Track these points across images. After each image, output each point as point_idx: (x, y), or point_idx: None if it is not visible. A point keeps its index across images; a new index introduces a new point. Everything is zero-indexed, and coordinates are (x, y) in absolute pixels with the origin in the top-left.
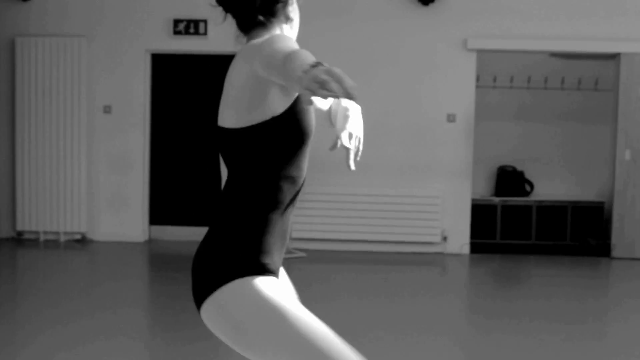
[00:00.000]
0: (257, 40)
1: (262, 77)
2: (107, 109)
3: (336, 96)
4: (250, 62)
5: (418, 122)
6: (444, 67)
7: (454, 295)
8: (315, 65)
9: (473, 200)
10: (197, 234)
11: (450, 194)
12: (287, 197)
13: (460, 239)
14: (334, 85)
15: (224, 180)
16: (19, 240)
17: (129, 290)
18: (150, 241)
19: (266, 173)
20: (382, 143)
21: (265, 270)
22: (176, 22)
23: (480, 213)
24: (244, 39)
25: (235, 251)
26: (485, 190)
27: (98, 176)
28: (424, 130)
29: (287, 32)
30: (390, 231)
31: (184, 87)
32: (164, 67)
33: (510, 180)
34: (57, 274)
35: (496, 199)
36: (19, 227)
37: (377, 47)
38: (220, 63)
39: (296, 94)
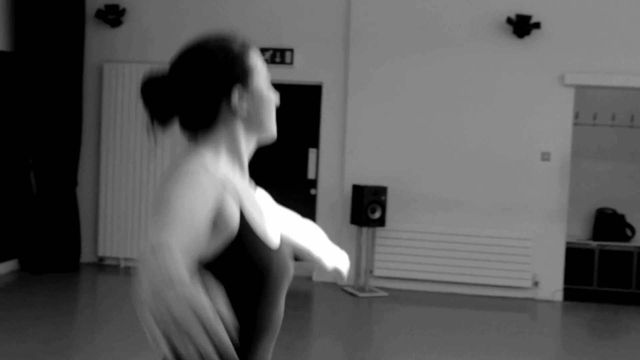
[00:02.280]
0: (181, 163)
1: None
2: None
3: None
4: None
5: (510, 159)
6: (539, 103)
7: (544, 345)
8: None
9: (568, 243)
10: None
11: (542, 237)
12: (260, 335)
13: (552, 285)
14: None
15: None
16: (100, 265)
17: None
18: None
19: (233, 304)
20: (471, 180)
21: None
22: (262, 50)
23: (575, 258)
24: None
25: None
26: (581, 234)
27: None
28: (517, 168)
29: (239, 134)
30: (478, 273)
31: None
32: None
33: (609, 223)
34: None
35: (593, 243)
36: (101, 253)
37: (469, 81)
38: (307, 92)
39: (233, 226)
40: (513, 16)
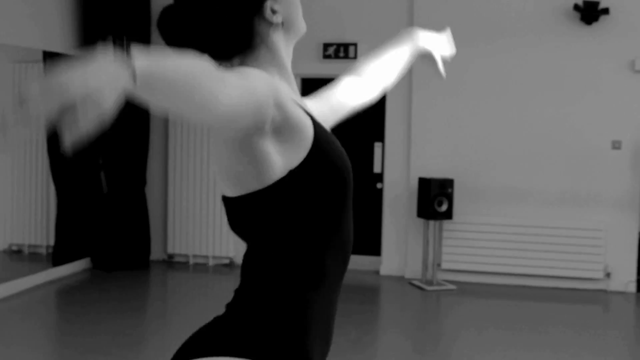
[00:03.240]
0: None
1: (240, 137)
2: None
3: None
4: (216, 133)
5: (580, 148)
6: (609, 90)
7: (616, 338)
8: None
9: None
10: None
11: (614, 227)
12: (329, 270)
13: (625, 276)
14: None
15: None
16: (170, 262)
17: None
18: None
19: (295, 242)
20: (540, 170)
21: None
22: (326, 46)
23: None
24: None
25: (261, 331)
26: None
27: None
28: (587, 157)
29: (279, 44)
30: (547, 265)
31: None
32: (314, 91)
33: None
34: (204, 297)
35: None
36: (170, 250)
37: (537, 70)
38: None
39: (309, 135)
40: (580, 3)
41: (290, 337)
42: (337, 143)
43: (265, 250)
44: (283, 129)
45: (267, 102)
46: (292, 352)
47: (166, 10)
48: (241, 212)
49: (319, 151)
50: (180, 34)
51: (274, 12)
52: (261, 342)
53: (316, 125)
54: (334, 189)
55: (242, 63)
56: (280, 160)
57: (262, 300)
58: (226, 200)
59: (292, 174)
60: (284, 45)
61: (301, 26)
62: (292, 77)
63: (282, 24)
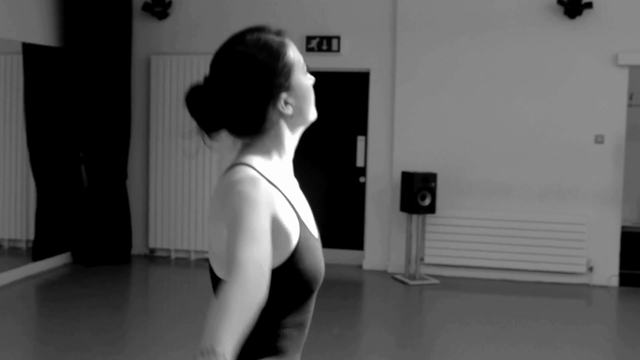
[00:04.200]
0: (231, 174)
1: None
2: None
3: None
4: (219, 216)
5: (563, 143)
6: (592, 84)
7: (599, 332)
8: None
9: (623, 227)
10: (326, 255)
11: (597, 221)
12: (293, 344)
13: (608, 270)
14: None
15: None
16: (152, 257)
17: None
18: None
19: (267, 322)
20: (523, 165)
21: None
22: (309, 38)
23: (631, 242)
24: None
25: None
26: (637, 217)
27: None
28: (569, 151)
29: (284, 132)
30: (530, 259)
31: (317, 103)
32: None
33: None
34: (186, 292)
35: None
36: (151, 245)
37: (520, 65)
38: (354, 80)
39: (293, 242)
40: None
41: None
42: (318, 248)
43: None
44: (273, 235)
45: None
46: None
47: (194, 89)
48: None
49: (298, 257)
50: (203, 112)
51: (286, 103)
52: None
53: (302, 230)
54: (304, 290)
55: (250, 143)
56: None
57: None
58: (211, 270)
59: (273, 271)
60: (290, 132)
61: (311, 117)
62: (290, 161)
63: (292, 115)
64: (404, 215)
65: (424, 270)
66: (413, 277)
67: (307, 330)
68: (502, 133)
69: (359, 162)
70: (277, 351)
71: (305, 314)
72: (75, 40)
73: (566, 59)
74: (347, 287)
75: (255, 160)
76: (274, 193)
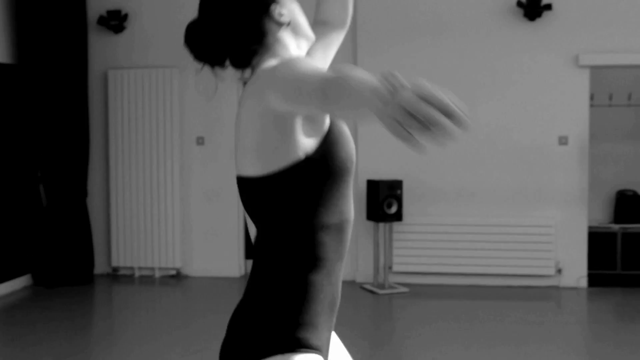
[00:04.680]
0: (262, 69)
1: (281, 112)
2: (200, 141)
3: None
4: (261, 98)
5: (527, 145)
6: (554, 86)
7: (570, 333)
8: (391, 79)
9: (590, 228)
10: None
11: (564, 222)
12: (332, 251)
13: (576, 271)
14: (434, 114)
15: (252, 234)
16: (115, 276)
17: (224, 326)
18: (246, 276)
19: (303, 224)
20: (487, 168)
21: (307, 346)
22: None
23: (598, 242)
24: (247, 73)
25: (272, 323)
26: (603, 217)
27: (191, 210)
28: (534, 153)
29: (289, 42)
30: (499, 263)
31: None
32: None
33: (630, 205)
34: (152, 311)
35: (616, 226)
36: (114, 263)
37: (481, 67)
38: None
39: (327, 122)
40: None
41: (295, 321)
42: (346, 130)
43: (271, 232)
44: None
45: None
46: (300, 333)
47: (189, 26)
48: (255, 192)
49: (331, 138)
50: (204, 45)
51: (280, 14)
52: (284, 330)
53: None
54: (338, 175)
55: (260, 62)
56: (302, 141)
57: (269, 286)
58: (242, 180)
59: (307, 158)
60: (295, 44)
61: (309, 33)
62: None
63: (289, 23)
64: (370, 224)
65: (393, 278)
66: (382, 287)
67: (345, 237)
68: (465, 137)
69: None
70: (315, 261)
71: (340, 214)
72: (29, 56)
73: (527, 60)
74: None
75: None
76: None
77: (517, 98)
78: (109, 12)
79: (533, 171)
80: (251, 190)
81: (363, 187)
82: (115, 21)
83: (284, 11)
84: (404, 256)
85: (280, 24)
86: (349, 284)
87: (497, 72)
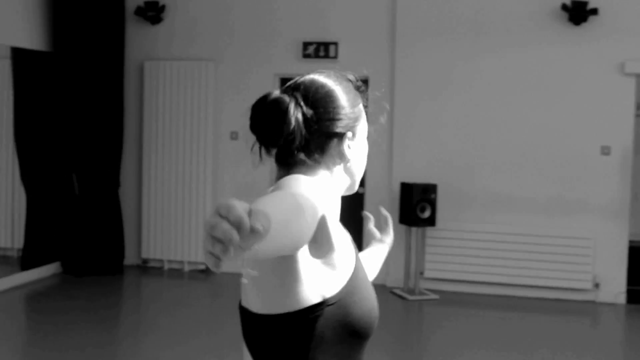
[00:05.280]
0: (283, 180)
1: None
2: (233, 135)
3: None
4: None
5: (568, 154)
6: (598, 94)
7: (606, 351)
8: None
9: (631, 242)
10: None
11: (603, 235)
12: None
13: (615, 287)
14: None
15: None
16: (144, 268)
17: None
18: None
19: None
20: (526, 176)
21: None
22: (305, 44)
23: (639, 257)
24: (280, 173)
25: None
26: None
27: None
28: (574, 163)
29: (329, 178)
30: (534, 274)
31: None
32: None
33: None
34: (180, 307)
35: None
36: (144, 255)
37: (523, 72)
38: None
39: (351, 268)
40: (568, 2)
41: None
42: (370, 282)
43: None
44: (328, 251)
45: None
46: None
47: (272, 100)
48: (260, 329)
49: (355, 286)
50: (268, 129)
51: (349, 149)
52: None
53: (357, 259)
54: (360, 327)
55: (295, 170)
56: (319, 282)
57: None
58: (246, 313)
59: (325, 302)
60: (336, 185)
61: (357, 184)
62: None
63: (348, 162)
64: (403, 227)
65: (424, 284)
66: (412, 292)
67: None
68: (504, 143)
69: None
70: None
71: None
72: (66, 44)
73: (571, 66)
74: None
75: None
76: (332, 205)
77: (559, 104)
78: (147, 3)
79: (573, 181)
80: (253, 326)
81: (396, 189)
82: (152, 12)
83: (352, 145)
84: (436, 262)
85: (341, 156)
86: (379, 288)
87: (540, 77)
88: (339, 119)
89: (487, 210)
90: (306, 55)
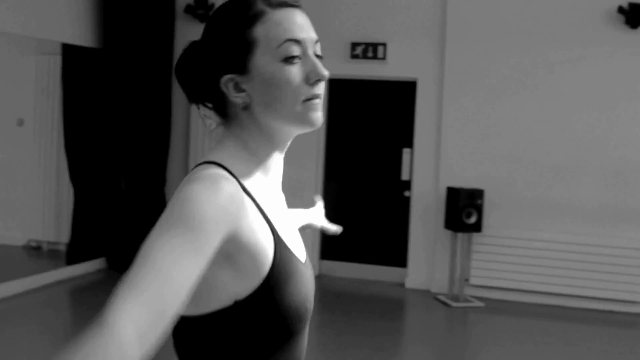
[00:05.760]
0: (189, 174)
1: None
2: None
3: None
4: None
5: (622, 161)
6: None
7: None
8: None
9: None
10: (367, 271)
11: None
12: None
13: None
14: None
15: None
16: None
17: None
18: (321, 276)
19: None
20: (578, 183)
21: None
22: (354, 45)
23: None
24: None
25: None
26: None
27: None
28: (630, 171)
29: (251, 125)
30: (583, 284)
31: (361, 113)
32: (341, 92)
33: None
34: None
35: None
36: None
37: (577, 76)
38: (400, 89)
39: (267, 264)
40: (625, 5)
41: None
42: (304, 274)
43: None
44: (234, 255)
45: (194, 279)
46: None
47: (182, 55)
48: (185, 331)
49: (274, 284)
50: (185, 81)
51: (239, 89)
52: None
53: (280, 250)
54: (284, 325)
55: (222, 137)
56: (227, 286)
57: None
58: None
59: (237, 305)
60: (258, 131)
61: (289, 114)
62: (270, 167)
63: (245, 107)
64: (448, 233)
65: (469, 291)
66: (456, 299)
67: None
68: (556, 148)
69: (404, 176)
70: None
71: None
72: (116, 41)
73: (627, 71)
74: (387, 306)
75: (228, 157)
76: (241, 201)
77: (615, 110)
78: (197, 1)
79: (628, 190)
80: (179, 328)
81: (443, 194)
82: (202, 10)
83: (245, 86)
84: (481, 269)
85: (235, 101)
86: (423, 293)
87: (595, 82)
88: (214, 58)
89: (534, 217)
90: (354, 56)
